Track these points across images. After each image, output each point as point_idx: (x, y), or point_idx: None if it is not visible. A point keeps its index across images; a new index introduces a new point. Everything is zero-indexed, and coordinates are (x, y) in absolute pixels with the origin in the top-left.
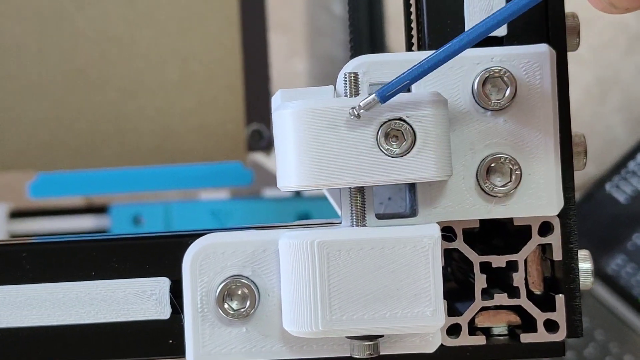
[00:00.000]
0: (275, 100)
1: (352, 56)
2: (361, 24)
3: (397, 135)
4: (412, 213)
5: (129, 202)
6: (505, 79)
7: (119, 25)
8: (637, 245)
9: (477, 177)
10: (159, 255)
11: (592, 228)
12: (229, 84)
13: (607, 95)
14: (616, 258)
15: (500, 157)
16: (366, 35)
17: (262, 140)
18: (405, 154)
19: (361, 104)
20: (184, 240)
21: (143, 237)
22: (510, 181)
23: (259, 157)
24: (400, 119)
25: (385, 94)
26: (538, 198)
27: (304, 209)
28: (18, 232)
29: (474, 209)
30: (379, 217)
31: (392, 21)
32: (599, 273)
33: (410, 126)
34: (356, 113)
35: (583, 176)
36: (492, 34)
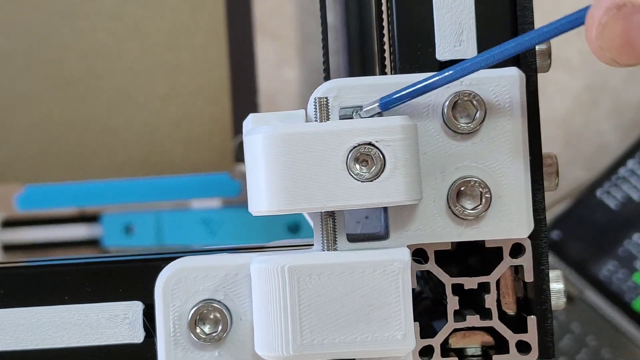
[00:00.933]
0: (247, 125)
1: (325, 79)
2: (351, 33)
3: (367, 159)
4: (386, 234)
5: (120, 212)
6: (474, 102)
7: (106, 39)
8: (628, 251)
9: (447, 200)
10: (132, 279)
11: (583, 234)
12: (216, 96)
13: (598, 102)
14: (607, 264)
15: (470, 180)
16: (357, 44)
17: None
18: (375, 179)
19: (364, 109)
20: (157, 264)
21: (116, 261)
22: (481, 204)
23: (244, 168)
24: (369, 144)
25: (389, 105)
26: (509, 221)
27: (294, 219)
28: (9, 241)
29: (445, 232)
30: (353, 238)
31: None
32: (591, 279)
33: (380, 151)
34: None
35: (573, 182)
36: (463, 57)
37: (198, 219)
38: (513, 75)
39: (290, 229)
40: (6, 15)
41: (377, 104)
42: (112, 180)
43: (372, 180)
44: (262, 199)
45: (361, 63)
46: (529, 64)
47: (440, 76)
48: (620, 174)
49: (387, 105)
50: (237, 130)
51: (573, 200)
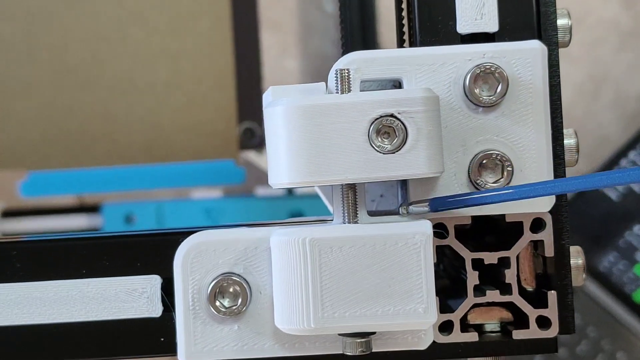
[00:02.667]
0: (267, 98)
1: (344, 53)
2: (353, 22)
3: (389, 131)
4: (405, 203)
5: (121, 201)
6: (496, 75)
7: (109, 24)
8: (628, 242)
9: (469, 174)
10: (151, 253)
11: (584, 225)
12: (220, 82)
13: (599, 93)
14: (608, 255)
15: (492, 153)
16: (358, 34)
17: (254, 139)
18: (397, 151)
19: (413, 208)
20: (175, 237)
21: (134, 234)
22: (502, 177)
23: (251, 155)
24: (392, 116)
25: (439, 207)
26: None
27: (297, 207)
28: (9, 231)
29: None
30: (371, 214)
31: (383, 19)
32: (591, 270)
33: (402, 123)
34: (405, 212)
35: (575, 173)
36: (484, 30)
37: (199, 208)
38: (535, 47)
39: (293, 217)
40: (7, 1)
41: (428, 204)
42: (115, 167)
43: (394, 153)
44: (282, 171)
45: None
46: (550, 38)
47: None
48: (621, 165)
49: (437, 208)
50: (242, 117)
51: (574, 192)
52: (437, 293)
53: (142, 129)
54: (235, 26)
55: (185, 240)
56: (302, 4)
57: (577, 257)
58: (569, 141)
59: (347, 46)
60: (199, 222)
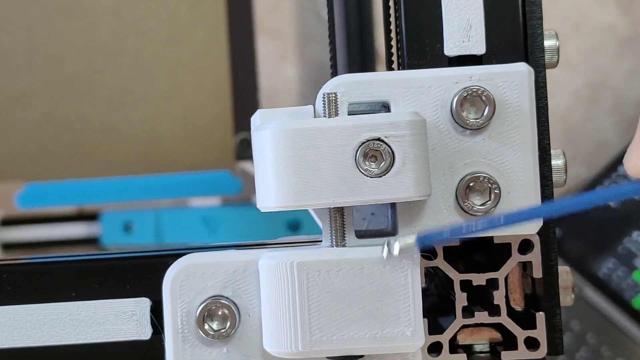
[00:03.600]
0: (255, 121)
1: (332, 74)
2: (350, 28)
3: (376, 155)
4: (394, 230)
5: (119, 210)
6: (483, 98)
7: (105, 35)
8: (628, 249)
9: (456, 196)
10: (140, 275)
11: (583, 232)
12: (217, 93)
13: (598, 99)
14: (607, 262)
15: (479, 176)
16: (356, 40)
17: (250, 149)
18: (384, 174)
19: (399, 248)
20: (164, 260)
21: (123, 257)
22: (490, 200)
23: (247, 165)
24: (378, 139)
25: (426, 242)
26: None
27: (294, 217)
28: (8, 240)
29: None
30: (361, 234)
31: (379, 22)
32: (590, 277)
33: (389, 146)
34: (392, 253)
35: (574, 179)
36: (471, 53)
37: (198, 217)
38: (522, 70)
39: (291, 227)
40: (6, 11)
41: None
42: (112, 178)
43: (381, 176)
44: (270, 195)
45: (361, 60)
46: (537, 60)
47: (483, 221)
48: (620, 172)
49: (424, 243)
50: (238, 127)
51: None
52: (428, 311)
53: (139, 140)
54: (231, 37)
55: (174, 263)
56: (300, 11)
57: (565, 278)
58: (556, 162)
59: (335, 66)
60: (197, 230)
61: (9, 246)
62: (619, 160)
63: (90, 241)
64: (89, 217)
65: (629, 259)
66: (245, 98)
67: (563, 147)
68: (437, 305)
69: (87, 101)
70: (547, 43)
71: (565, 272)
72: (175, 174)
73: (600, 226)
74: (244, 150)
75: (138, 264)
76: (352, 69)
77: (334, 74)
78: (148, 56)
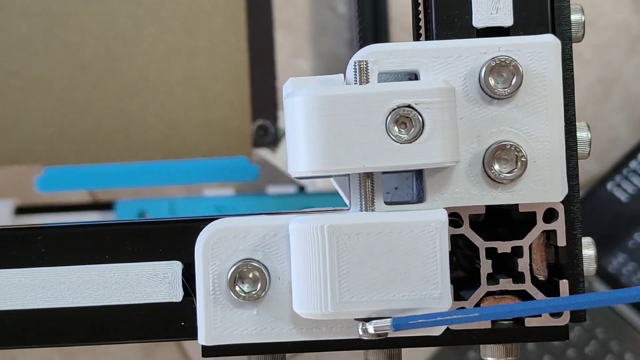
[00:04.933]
0: (286, 88)
1: (361, 45)
2: (366, 24)
3: (406, 121)
4: (419, 201)
5: (134, 198)
6: (511, 67)
7: (124, 22)
8: (638, 243)
9: (483, 164)
10: (172, 239)
11: (593, 226)
12: (235, 80)
13: (609, 94)
14: (617, 257)
15: (506, 144)
16: (370, 36)
17: (268, 136)
18: (414, 140)
19: (374, 327)
20: (196, 225)
21: (155, 221)
22: (516, 168)
23: (264, 152)
24: (409, 106)
25: (400, 327)
26: (543, 185)
27: (309, 205)
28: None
29: (480, 195)
30: (387, 204)
31: (395, 21)
32: (600, 271)
33: (419, 113)
34: (367, 332)
35: (585, 175)
36: (499, 24)
37: (211, 206)
38: (549, 41)
39: None
40: None
41: (390, 324)
42: (130, 163)
43: (411, 142)
44: (301, 160)
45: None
46: (563, 32)
47: (461, 315)
48: (631, 167)
49: (399, 328)
50: (256, 114)
51: (584, 192)
52: (451, 283)
53: (156, 126)
54: (249, 25)
55: (206, 227)
56: (314, 4)
57: (588, 247)
58: (581, 134)
59: (365, 38)
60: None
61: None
62: (630, 156)
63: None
64: (104, 205)
65: (639, 254)
66: (262, 86)
67: None
68: (459, 279)
69: (105, 87)
70: (574, 17)
71: (588, 243)
72: (192, 160)
73: (610, 221)
74: (261, 138)
75: (170, 228)
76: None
77: (363, 45)
78: (166, 44)
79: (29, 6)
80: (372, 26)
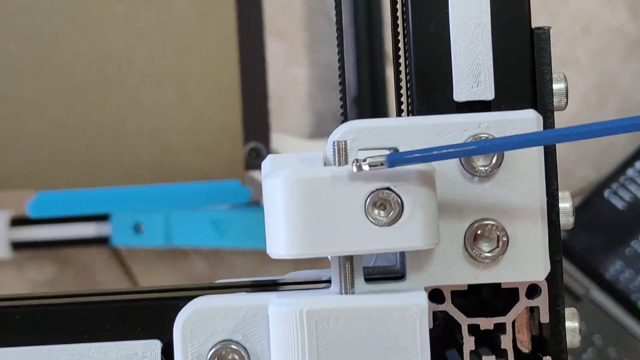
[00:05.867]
0: (265, 167)
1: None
2: (360, 30)
3: (385, 204)
4: (402, 268)
5: (129, 211)
6: None
7: (116, 45)
8: (635, 251)
9: (464, 243)
10: (151, 317)
11: (590, 234)
12: (227, 103)
13: (606, 101)
14: (615, 264)
15: (487, 223)
16: (365, 40)
17: (260, 159)
18: (393, 223)
19: (369, 162)
20: (176, 302)
21: (135, 299)
22: (497, 247)
23: (257, 174)
24: (387, 189)
25: (396, 163)
26: (525, 264)
27: None
28: (18, 239)
29: (462, 274)
30: (369, 272)
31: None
32: (597, 278)
33: (398, 196)
34: (358, 166)
35: (581, 182)
36: (480, 98)
37: (207, 220)
38: (530, 117)
39: None
40: (16, 21)
41: (385, 160)
42: (122, 187)
43: (390, 225)
44: (280, 243)
45: (369, 61)
46: (546, 105)
47: (461, 149)
48: (628, 175)
49: (395, 164)
50: (248, 137)
51: (581, 200)
52: (436, 342)
53: (149, 149)
54: (240, 46)
55: (185, 306)
56: (309, 12)
57: (572, 319)
58: (564, 205)
59: (346, 110)
60: (206, 232)
61: (19, 245)
62: (627, 164)
63: (100, 241)
64: (100, 217)
65: (636, 261)
66: (254, 108)
67: (570, 150)
68: (443, 336)
69: (97, 111)
70: (556, 86)
71: (572, 314)
72: (185, 183)
73: (608, 228)
74: (254, 160)
75: (149, 306)
76: (361, 71)
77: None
78: (158, 66)
79: (20, 30)
80: (367, 33)
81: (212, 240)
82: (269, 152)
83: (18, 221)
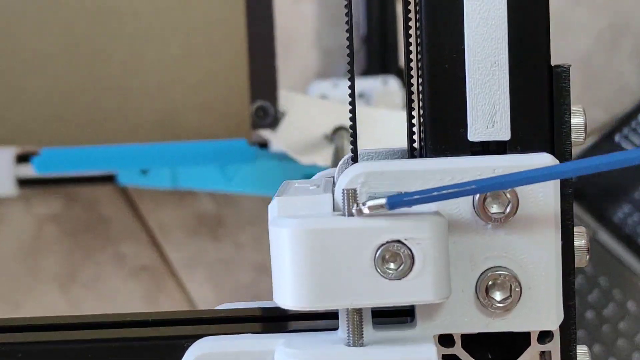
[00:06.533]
0: (272, 210)
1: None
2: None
3: (395, 257)
4: (413, 321)
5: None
6: (507, 193)
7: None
8: None
9: (476, 291)
10: (156, 358)
11: (599, 177)
12: (233, 60)
13: (620, 42)
14: (623, 207)
15: (500, 274)
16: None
17: (267, 117)
18: (403, 277)
19: (368, 205)
20: (179, 342)
21: (138, 337)
22: (510, 297)
23: (264, 133)
24: (398, 241)
25: (396, 205)
26: (537, 312)
27: (310, 171)
28: (24, 176)
29: (473, 322)
30: (378, 322)
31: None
32: (605, 221)
33: (409, 248)
34: (359, 211)
35: (592, 123)
36: (495, 139)
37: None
38: (546, 162)
39: (306, 177)
40: None
41: (385, 202)
42: (127, 145)
43: (400, 279)
44: (287, 294)
45: (380, 53)
46: (564, 146)
47: (460, 189)
48: (639, 120)
49: (395, 206)
50: (255, 95)
51: (591, 142)
52: None
53: (153, 107)
54: (248, 1)
55: (190, 350)
56: None
57: (584, 357)
58: (579, 242)
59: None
60: (213, 177)
61: (25, 182)
62: (638, 109)
63: (107, 179)
64: None
65: None
66: (262, 65)
67: (582, 92)
68: None
69: (101, 66)
70: (574, 121)
71: (584, 353)
72: (191, 141)
73: (616, 173)
74: (260, 119)
75: (154, 345)
76: (370, 5)
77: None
78: (163, 21)
79: None
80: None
81: (219, 185)
82: (276, 111)
83: (23, 157)
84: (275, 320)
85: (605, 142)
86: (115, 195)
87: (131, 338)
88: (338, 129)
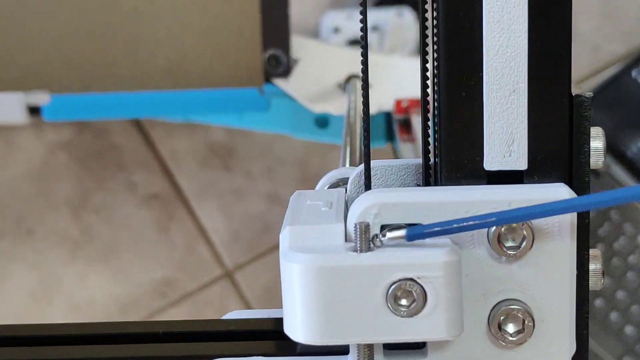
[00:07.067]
0: (283, 240)
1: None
2: None
3: (408, 294)
4: (425, 351)
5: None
6: (523, 229)
7: None
8: None
9: (488, 324)
10: None
11: (614, 111)
12: (245, 8)
13: None
14: (637, 142)
15: (513, 307)
16: None
17: (280, 66)
18: (415, 315)
19: (388, 236)
20: None
21: (148, 357)
22: (523, 331)
23: (277, 82)
24: (411, 279)
25: (415, 238)
26: (550, 345)
27: (323, 116)
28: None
29: (484, 355)
30: (389, 349)
31: None
32: (619, 155)
33: (422, 286)
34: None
35: (610, 55)
36: (512, 168)
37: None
38: (563, 195)
39: (319, 123)
40: None
41: (405, 234)
42: (137, 92)
43: (412, 317)
44: (298, 328)
45: None
46: (582, 176)
47: (480, 221)
48: None
49: (413, 239)
50: (267, 43)
51: (608, 77)
52: None
53: (164, 53)
54: None
55: None
56: None
57: None
58: (594, 266)
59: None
60: (226, 112)
61: (36, 110)
62: None
63: None
64: None
65: None
66: (274, 13)
67: (600, 24)
68: None
69: (110, 12)
70: (593, 145)
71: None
72: (202, 90)
73: (632, 108)
74: (273, 68)
75: None
76: None
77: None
78: None
79: None
80: None
81: (231, 121)
82: (288, 59)
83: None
84: (285, 339)
85: (623, 76)
86: (127, 124)
87: (139, 357)
88: (351, 77)
